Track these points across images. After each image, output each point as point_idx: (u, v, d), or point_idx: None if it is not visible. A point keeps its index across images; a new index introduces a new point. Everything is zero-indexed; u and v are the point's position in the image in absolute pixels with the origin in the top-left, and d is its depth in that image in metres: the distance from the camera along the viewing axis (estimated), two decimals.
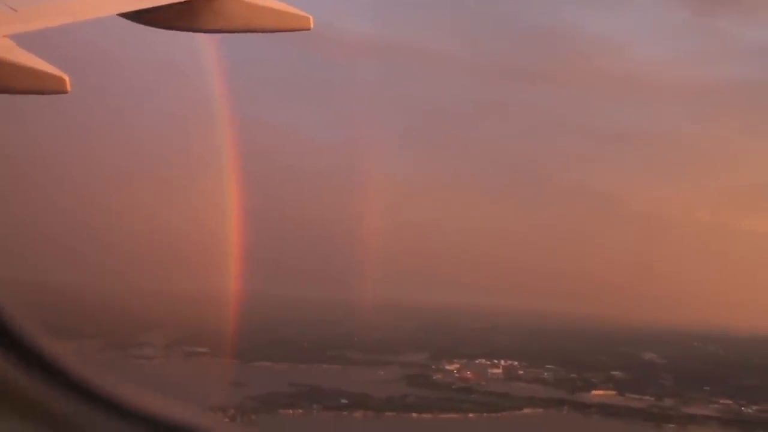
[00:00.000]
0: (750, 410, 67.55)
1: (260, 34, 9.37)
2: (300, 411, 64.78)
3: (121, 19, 8.95)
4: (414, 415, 64.41)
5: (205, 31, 9.42)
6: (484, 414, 65.13)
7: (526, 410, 66.40)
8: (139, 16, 9.07)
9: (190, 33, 9.77)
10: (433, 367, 79.74)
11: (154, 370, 74.13)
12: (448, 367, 79.44)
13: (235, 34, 9.47)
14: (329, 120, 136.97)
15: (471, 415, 64.87)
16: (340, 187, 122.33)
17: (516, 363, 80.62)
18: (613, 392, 71.04)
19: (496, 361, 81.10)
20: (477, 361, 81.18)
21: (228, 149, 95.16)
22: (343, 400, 67.25)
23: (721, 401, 69.36)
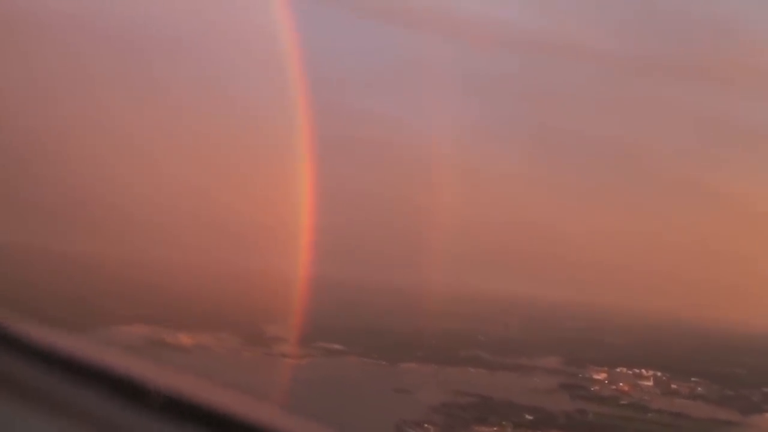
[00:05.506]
0: None
1: None
2: (495, 429, 60.96)
3: None
4: None
5: None
6: None
7: None
8: None
9: None
10: (580, 375, 77.00)
11: (306, 373, 69.45)
12: (596, 377, 76.79)
13: None
14: (444, 110, 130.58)
15: None
16: (444, 176, 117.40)
17: (659, 374, 78.47)
18: None
19: (637, 370, 78.86)
20: (618, 370, 78.82)
21: (303, 133, 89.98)
22: (528, 416, 63.64)
23: None
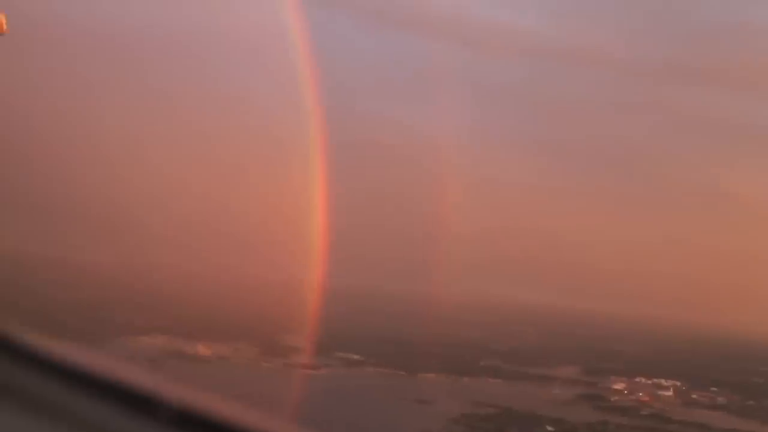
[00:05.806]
0: None
1: None
2: None
3: None
4: None
5: None
6: None
7: None
8: None
9: None
10: (599, 385, 76.44)
11: (325, 384, 69.05)
12: (614, 387, 76.19)
13: None
14: (455, 116, 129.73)
15: None
16: (461, 183, 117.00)
17: (679, 383, 77.84)
18: None
19: (656, 380, 78.27)
20: (637, 380, 78.25)
21: (315, 139, 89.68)
22: (549, 427, 63.08)
23: None
